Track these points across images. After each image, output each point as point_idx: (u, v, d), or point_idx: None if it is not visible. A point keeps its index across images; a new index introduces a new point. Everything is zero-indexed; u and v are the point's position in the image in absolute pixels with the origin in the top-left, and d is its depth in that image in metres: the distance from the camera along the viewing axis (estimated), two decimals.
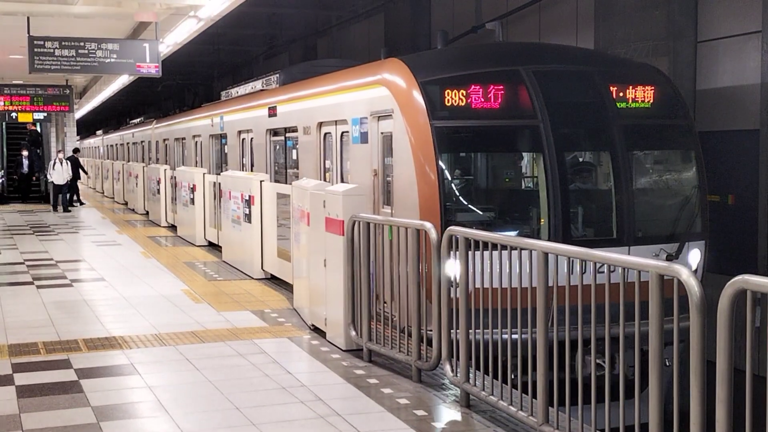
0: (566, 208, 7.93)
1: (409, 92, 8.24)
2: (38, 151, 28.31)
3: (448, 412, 5.84)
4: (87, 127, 58.40)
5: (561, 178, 7.95)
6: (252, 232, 12.04)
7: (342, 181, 10.09)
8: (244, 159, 15.22)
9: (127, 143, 32.88)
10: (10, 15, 12.52)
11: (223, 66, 30.48)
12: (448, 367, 6.16)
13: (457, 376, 6.03)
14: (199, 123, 19.07)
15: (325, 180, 10.72)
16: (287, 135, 12.58)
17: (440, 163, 7.96)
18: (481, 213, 8.48)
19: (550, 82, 8.25)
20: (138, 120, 34.17)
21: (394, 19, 19.76)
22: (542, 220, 8.06)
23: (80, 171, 27.90)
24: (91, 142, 50.86)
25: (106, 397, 6.20)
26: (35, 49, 12.67)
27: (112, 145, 39.20)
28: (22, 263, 13.49)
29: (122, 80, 22.63)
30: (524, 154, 8.89)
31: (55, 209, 24.62)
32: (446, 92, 8.03)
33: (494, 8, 15.45)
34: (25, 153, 27.12)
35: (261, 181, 11.90)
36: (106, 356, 7.44)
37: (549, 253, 4.97)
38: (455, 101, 8.03)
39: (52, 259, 13.97)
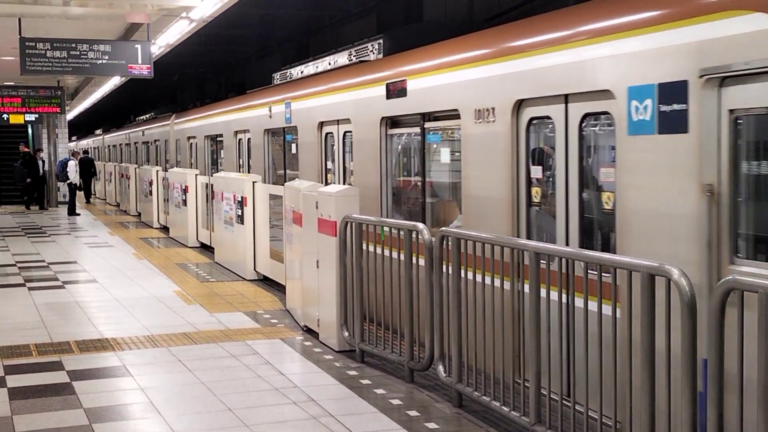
0: None
1: None
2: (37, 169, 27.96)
3: (441, 413, 5.85)
4: (79, 128, 58.14)
5: None
6: (244, 234, 12.03)
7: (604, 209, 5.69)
8: (330, 163, 10.80)
9: (135, 143, 29.17)
10: (1, 16, 12.49)
11: (215, 65, 30.43)
12: (440, 368, 6.17)
13: (449, 376, 6.04)
14: (246, 114, 14.87)
15: (554, 209, 6.11)
16: (427, 125, 8.15)
17: None
18: None
19: None
20: (148, 116, 30.10)
21: (387, 19, 19.76)
22: None
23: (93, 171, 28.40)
24: (89, 142, 48.17)
25: (99, 399, 6.19)
26: (27, 51, 12.64)
27: (115, 146, 35.77)
28: (14, 265, 13.45)
29: (114, 81, 22.57)
30: None
31: (73, 212, 23.89)
32: None
33: (487, 8, 15.46)
34: (43, 156, 26.45)
35: (254, 182, 11.89)
36: (98, 358, 7.42)
37: (540, 253, 4.98)
38: None
39: (43, 261, 13.94)
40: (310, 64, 12.35)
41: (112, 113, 50.15)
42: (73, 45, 12.84)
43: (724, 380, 3.52)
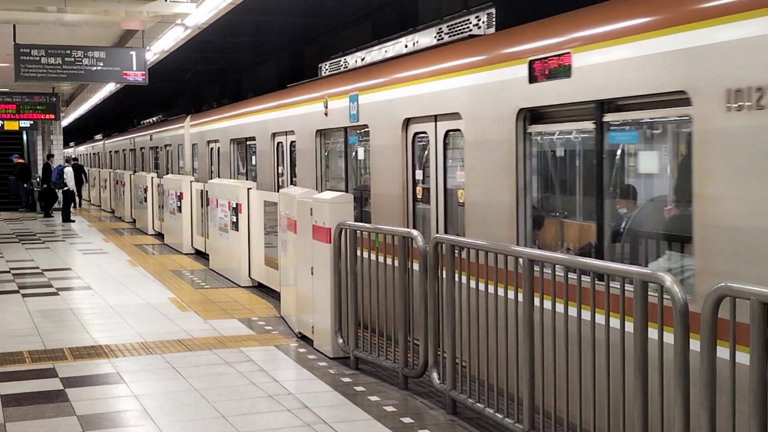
0: None
1: None
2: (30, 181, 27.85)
3: (435, 420, 5.84)
4: (76, 134, 58.01)
5: None
6: (239, 240, 12.03)
7: None
8: (420, 173, 8.28)
9: (141, 148, 26.83)
10: None
11: (209, 73, 30.46)
12: (435, 375, 6.17)
13: (443, 383, 6.04)
14: (288, 113, 12.09)
15: None
16: (610, 118, 5.52)
17: None
18: None
19: None
20: (156, 118, 27.84)
21: (381, 26, 19.80)
22: None
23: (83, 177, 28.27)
24: (87, 148, 46.58)
25: (92, 406, 6.18)
26: (21, 57, 12.66)
27: (117, 151, 33.31)
28: (8, 272, 13.42)
29: (110, 87, 22.56)
30: None
31: (67, 219, 23.62)
32: None
33: None
34: (55, 165, 25.50)
35: (248, 189, 11.89)
36: (92, 365, 7.40)
37: (534, 260, 4.99)
38: None
39: (38, 268, 13.91)
40: (374, 49, 9.97)
41: (112, 118, 49.98)
42: (68, 51, 12.87)
43: (716, 387, 3.53)
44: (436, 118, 7.77)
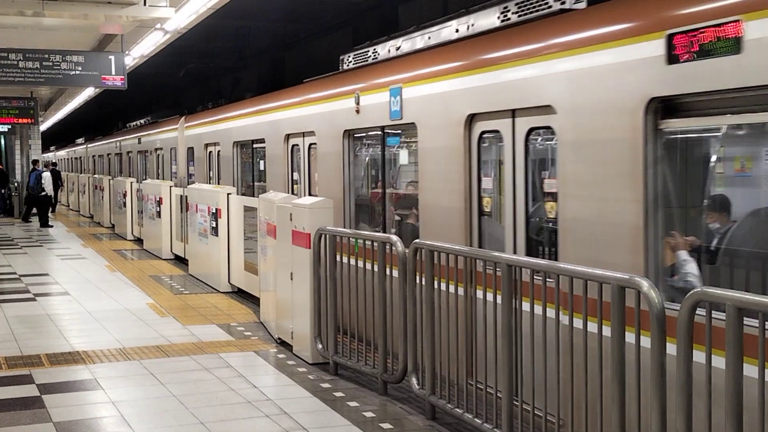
0: None
1: None
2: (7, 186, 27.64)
3: (414, 425, 5.84)
4: (53, 139, 57.62)
5: None
6: (219, 246, 11.99)
7: None
8: (486, 180, 6.88)
9: (129, 152, 25.25)
10: None
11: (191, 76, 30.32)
12: (414, 380, 6.17)
13: (423, 388, 6.05)
14: (307, 110, 10.46)
15: None
16: None
17: None
18: None
19: None
20: (144, 120, 25.65)
21: (362, 32, 19.83)
22: None
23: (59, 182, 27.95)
24: (69, 152, 44.65)
25: (69, 413, 6.13)
26: None
27: (101, 156, 31.57)
28: None
29: (89, 92, 22.44)
30: None
31: (45, 224, 23.44)
32: None
33: None
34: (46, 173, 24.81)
35: (228, 194, 11.86)
36: (69, 371, 7.34)
37: (513, 265, 5.00)
38: None
39: (15, 273, 13.78)
40: (414, 35, 8.41)
41: (93, 122, 49.49)
42: (46, 56, 12.79)
43: (692, 391, 3.55)
44: (513, 113, 6.31)
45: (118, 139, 27.16)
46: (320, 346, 7.43)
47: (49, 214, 24.72)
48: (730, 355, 3.32)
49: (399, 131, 8.54)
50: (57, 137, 58.04)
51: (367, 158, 9.53)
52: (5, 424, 5.84)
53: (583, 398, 4.37)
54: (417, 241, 6.12)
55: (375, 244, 6.67)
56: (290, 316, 7.99)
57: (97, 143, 33.61)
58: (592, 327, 4.33)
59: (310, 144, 10.56)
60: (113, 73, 12.99)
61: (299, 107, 10.77)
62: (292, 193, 11.13)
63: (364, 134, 9.19)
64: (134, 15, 11.68)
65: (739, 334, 3.31)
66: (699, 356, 3.59)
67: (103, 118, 45.93)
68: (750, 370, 3.35)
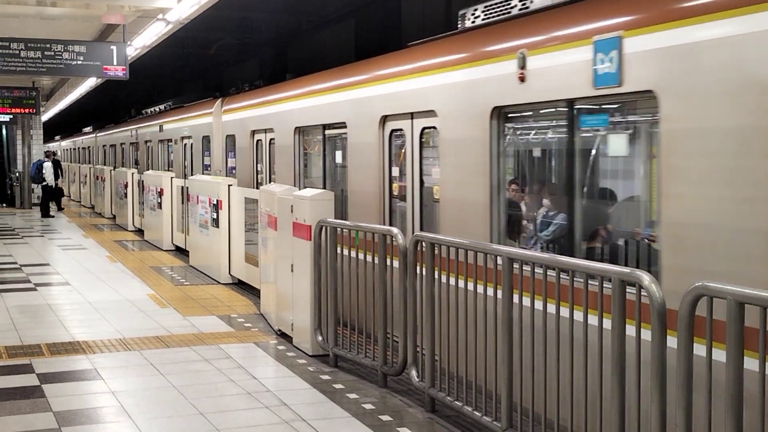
0: None
1: None
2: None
3: (414, 418, 5.84)
4: (56, 129, 57.44)
5: None
6: (219, 237, 11.98)
7: None
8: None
9: (147, 142, 22.11)
10: None
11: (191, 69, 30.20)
12: (413, 373, 6.17)
13: (422, 381, 6.04)
14: (421, 82, 7.62)
15: None
16: None
17: None
18: None
19: None
20: (164, 105, 22.22)
21: (365, 24, 19.79)
22: None
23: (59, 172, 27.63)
24: (75, 142, 42.85)
25: (68, 402, 6.13)
26: (0, 51, 12.53)
27: (113, 146, 28.82)
28: None
29: (90, 82, 22.40)
30: None
31: (47, 215, 23.35)
32: None
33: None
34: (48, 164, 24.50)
35: (229, 186, 11.85)
36: (69, 361, 7.35)
37: (514, 258, 4.99)
38: None
39: (16, 263, 13.79)
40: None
41: (97, 111, 48.85)
42: (48, 45, 12.76)
43: (692, 385, 3.54)
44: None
45: (134, 126, 24.16)
46: (320, 337, 7.43)
47: (55, 210, 24.71)
48: (731, 350, 3.32)
49: (607, 105, 5.57)
50: (60, 127, 57.86)
51: (534, 147, 6.68)
52: (5, 413, 5.85)
53: (582, 391, 4.36)
54: (418, 233, 6.11)
55: (375, 236, 6.67)
56: (290, 308, 7.99)
57: (108, 131, 30.48)
58: (593, 320, 4.32)
59: (423, 129, 7.80)
60: (115, 63, 12.97)
61: (406, 78, 7.96)
62: (391, 199, 8.44)
63: (531, 112, 6.48)
64: (136, 5, 11.67)
65: (739, 329, 3.30)
66: (699, 349, 3.58)
67: (114, 104, 44.98)
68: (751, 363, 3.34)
